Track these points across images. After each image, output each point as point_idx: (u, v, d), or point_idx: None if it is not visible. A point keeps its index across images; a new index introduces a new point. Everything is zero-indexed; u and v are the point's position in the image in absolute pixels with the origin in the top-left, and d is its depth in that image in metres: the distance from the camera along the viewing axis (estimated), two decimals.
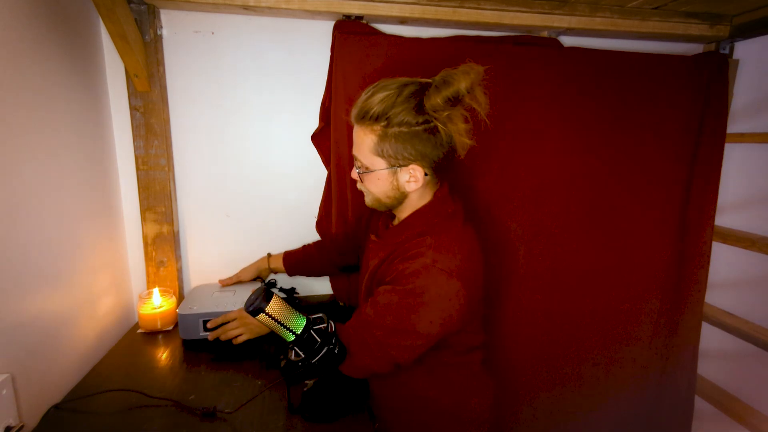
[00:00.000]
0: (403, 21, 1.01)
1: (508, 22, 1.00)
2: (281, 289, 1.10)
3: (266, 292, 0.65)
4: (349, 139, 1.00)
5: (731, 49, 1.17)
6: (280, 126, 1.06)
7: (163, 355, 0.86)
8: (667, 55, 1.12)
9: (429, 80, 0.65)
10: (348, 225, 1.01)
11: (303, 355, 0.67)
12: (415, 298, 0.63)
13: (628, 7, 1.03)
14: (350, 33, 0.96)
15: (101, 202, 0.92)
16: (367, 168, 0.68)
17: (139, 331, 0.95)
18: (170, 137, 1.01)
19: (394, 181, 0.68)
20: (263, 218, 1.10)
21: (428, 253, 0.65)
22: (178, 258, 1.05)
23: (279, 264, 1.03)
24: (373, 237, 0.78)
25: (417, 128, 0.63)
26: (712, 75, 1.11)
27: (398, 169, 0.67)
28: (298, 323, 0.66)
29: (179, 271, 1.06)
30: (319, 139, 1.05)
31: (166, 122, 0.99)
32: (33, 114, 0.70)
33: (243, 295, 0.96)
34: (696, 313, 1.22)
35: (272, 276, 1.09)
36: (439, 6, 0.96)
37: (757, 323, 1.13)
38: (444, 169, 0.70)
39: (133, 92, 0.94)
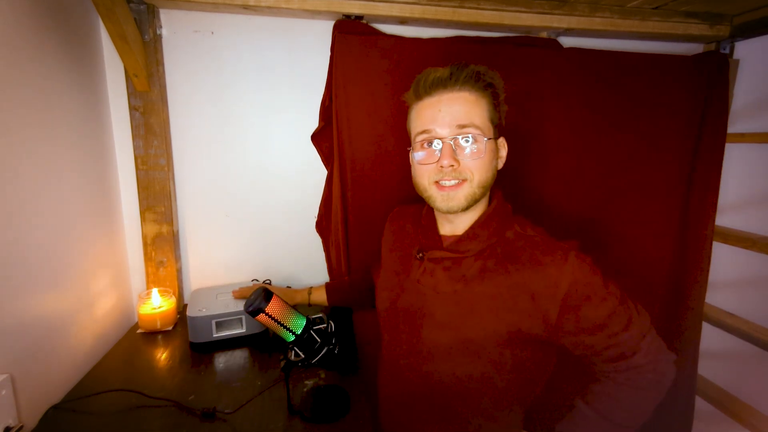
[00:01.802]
0: (403, 21, 1.01)
1: (508, 22, 1.00)
2: None
3: (266, 292, 0.65)
4: (350, 138, 1.00)
5: (731, 49, 1.17)
6: (280, 126, 1.06)
7: (163, 356, 0.86)
8: (668, 55, 1.12)
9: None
10: (358, 271, 0.98)
11: (303, 356, 0.68)
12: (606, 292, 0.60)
13: (628, 7, 1.03)
14: (350, 33, 0.96)
15: (101, 202, 0.92)
16: (490, 136, 0.60)
17: (139, 331, 0.95)
18: (170, 137, 1.01)
19: (496, 156, 0.63)
20: (263, 218, 1.10)
21: (561, 249, 0.60)
22: (177, 258, 1.05)
23: (321, 297, 0.96)
24: (435, 253, 0.65)
25: (502, 100, 0.63)
26: (712, 75, 1.11)
27: (498, 141, 0.63)
28: (298, 323, 0.66)
29: (179, 271, 1.06)
30: (319, 138, 1.05)
31: (166, 122, 0.99)
32: (32, 114, 0.70)
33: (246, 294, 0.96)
34: (696, 313, 1.22)
35: (267, 277, 1.09)
36: (439, 6, 0.96)
37: (757, 323, 1.13)
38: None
39: (132, 92, 0.94)
